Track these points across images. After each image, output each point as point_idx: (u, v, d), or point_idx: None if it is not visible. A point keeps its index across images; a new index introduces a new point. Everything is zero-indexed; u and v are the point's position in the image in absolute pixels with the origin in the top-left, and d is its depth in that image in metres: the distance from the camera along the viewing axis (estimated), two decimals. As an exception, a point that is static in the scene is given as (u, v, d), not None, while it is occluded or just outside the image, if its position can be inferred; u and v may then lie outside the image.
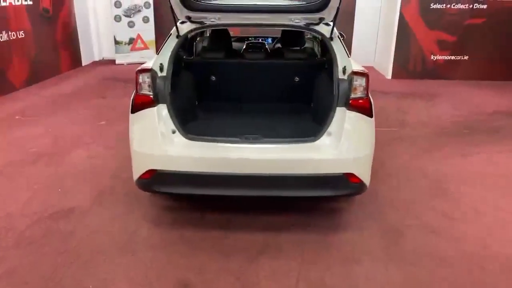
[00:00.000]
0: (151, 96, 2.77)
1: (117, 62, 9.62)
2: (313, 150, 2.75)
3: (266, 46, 4.88)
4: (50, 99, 6.60)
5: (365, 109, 2.76)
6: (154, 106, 2.77)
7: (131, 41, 9.66)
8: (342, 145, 2.69)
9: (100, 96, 6.89)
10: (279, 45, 5.11)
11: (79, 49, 9.31)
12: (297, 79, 3.68)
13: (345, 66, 2.89)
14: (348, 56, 3.00)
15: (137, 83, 2.80)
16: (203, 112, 3.75)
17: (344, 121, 2.72)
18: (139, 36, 9.66)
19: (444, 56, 8.18)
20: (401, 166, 4.19)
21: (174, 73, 3.12)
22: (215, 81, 3.72)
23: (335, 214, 3.26)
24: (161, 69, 2.90)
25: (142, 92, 2.79)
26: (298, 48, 4.14)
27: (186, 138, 2.80)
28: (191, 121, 3.53)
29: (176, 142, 2.78)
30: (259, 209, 3.28)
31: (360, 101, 2.75)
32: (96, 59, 10.20)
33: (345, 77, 2.85)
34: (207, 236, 2.94)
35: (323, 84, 3.46)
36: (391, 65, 8.28)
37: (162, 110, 2.81)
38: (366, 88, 2.76)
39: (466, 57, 8.15)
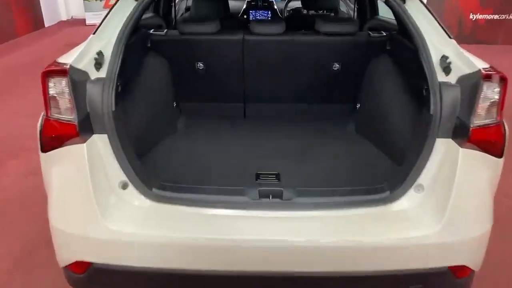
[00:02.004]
0: (75, 124, 1.40)
1: (87, 22, 8.02)
2: (388, 223, 1.46)
3: (275, 7, 3.44)
4: (-7, 76, 5.13)
5: (494, 146, 1.43)
6: (83, 142, 1.42)
7: (104, -4, 8.00)
8: (451, 213, 1.39)
9: (61, 69, 5.40)
10: (295, 4, 3.64)
11: (40, 6, 7.64)
12: (336, 66, 2.30)
13: (445, 57, 1.53)
14: (450, 37, 1.62)
15: (45, 97, 1.43)
16: (185, 121, 2.42)
17: (455, 166, 1.41)
18: (113, -11, 7.98)
19: (485, 15, 6.70)
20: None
21: (130, 62, 1.77)
22: (204, 70, 2.33)
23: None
24: (99, 63, 1.51)
25: (55, 115, 1.43)
26: (330, 12, 2.73)
27: (148, 197, 1.49)
28: (167, 136, 2.22)
29: (130, 208, 1.47)
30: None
31: (488, 130, 1.42)
32: (64, 18, 8.56)
33: (451, 79, 1.49)
34: None
35: (386, 79, 2.11)
36: (420, 27, 6.79)
37: (100, 147, 1.47)
38: (500, 106, 1.42)
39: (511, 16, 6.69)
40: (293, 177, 1.86)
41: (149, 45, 2.22)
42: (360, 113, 2.35)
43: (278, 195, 1.51)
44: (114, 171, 1.48)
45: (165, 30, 2.29)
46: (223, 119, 2.45)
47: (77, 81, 1.41)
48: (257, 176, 1.86)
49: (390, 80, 2.09)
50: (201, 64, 2.30)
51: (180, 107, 2.49)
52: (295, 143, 2.18)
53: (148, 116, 2.06)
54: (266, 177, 1.85)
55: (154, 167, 1.84)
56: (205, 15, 2.44)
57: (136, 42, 1.96)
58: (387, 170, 1.85)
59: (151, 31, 2.27)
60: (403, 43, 1.95)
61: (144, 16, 2.80)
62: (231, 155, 2.07)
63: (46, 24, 7.88)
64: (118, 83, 1.54)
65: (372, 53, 2.26)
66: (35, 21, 7.54)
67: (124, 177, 1.49)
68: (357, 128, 2.34)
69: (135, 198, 1.49)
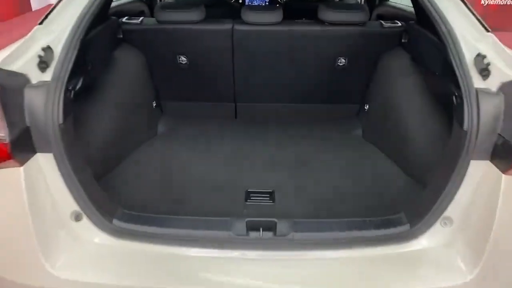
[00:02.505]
0: (5, 142, 1.09)
1: (77, 6, 7.58)
2: (407, 267, 1.18)
3: None
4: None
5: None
6: (20, 165, 1.11)
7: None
8: (489, 256, 1.11)
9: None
10: None
11: (26, -12, 7.23)
12: (342, 61, 1.97)
13: (481, 56, 1.21)
14: (487, 29, 1.30)
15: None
16: (167, 123, 2.12)
17: (496, 196, 1.11)
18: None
19: (498, 1, 6.31)
20: None
21: (94, 58, 1.47)
22: (187, 65, 2.01)
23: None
24: (44, 62, 1.19)
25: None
26: None
27: (106, 232, 1.19)
28: (144, 142, 1.94)
29: (84, 246, 1.18)
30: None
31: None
32: (53, 1, 8.11)
33: (491, 85, 1.18)
34: None
35: (402, 77, 1.81)
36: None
37: (44, 169, 1.17)
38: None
39: (526, 1, 6.30)
40: (290, 197, 1.57)
41: (120, 36, 1.89)
42: (369, 115, 2.04)
43: (271, 228, 1.22)
44: (64, 199, 1.18)
45: (141, 18, 1.95)
46: (211, 120, 2.14)
47: (9, 86, 1.09)
48: (247, 195, 1.57)
49: (406, 80, 1.77)
50: (183, 58, 1.97)
51: (162, 107, 2.17)
52: (294, 151, 1.88)
53: (119, 120, 1.75)
54: (258, 197, 1.56)
55: (120, 188, 1.55)
56: (189, 0, 2.10)
57: (102, 32, 1.64)
58: (404, 190, 1.56)
59: (124, 19, 1.93)
60: (424, 36, 1.62)
61: (123, 1, 2.46)
62: (218, 166, 1.77)
63: (34, 7, 7.47)
64: (70, 87, 1.23)
65: (384, 46, 1.93)
66: (21, 4, 7.13)
67: (76, 206, 1.19)
68: (365, 133, 2.03)
69: (90, 233, 1.19)
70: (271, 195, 1.58)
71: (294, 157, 1.84)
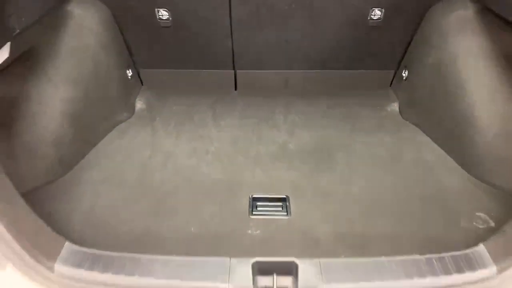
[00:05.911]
0: None
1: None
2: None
3: None
4: None
5: None
6: None
7: None
8: None
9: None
10: None
11: None
12: (377, 14, 1.50)
13: None
14: None
15: None
16: (148, 97, 1.73)
17: None
18: None
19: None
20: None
21: (33, 11, 1.07)
22: (170, 21, 1.53)
23: None
24: None
25: None
26: None
27: (43, 282, 0.81)
28: (114, 127, 1.52)
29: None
30: None
31: None
32: None
33: None
34: None
35: (462, 37, 1.35)
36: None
37: None
38: None
39: None
40: (311, 207, 1.17)
41: None
42: (409, 86, 1.59)
43: (290, 272, 0.82)
44: None
45: None
46: (204, 93, 1.70)
47: None
48: (253, 205, 1.18)
49: (469, 39, 1.31)
50: (164, 12, 1.49)
51: (142, 77, 1.73)
52: (311, 136, 1.46)
53: (77, 102, 1.32)
54: (267, 207, 1.17)
55: (75, 199, 1.15)
56: None
57: None
58: (472, 200, 1.15)
59: None
60: None
61: None
62: (213, 160, 1.35)
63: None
64: None
65: None
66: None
67: None
68: (404, 109, 1.60)
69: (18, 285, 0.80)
70: (284, 203, 1.18)
71: (312, 144, 1.42)
